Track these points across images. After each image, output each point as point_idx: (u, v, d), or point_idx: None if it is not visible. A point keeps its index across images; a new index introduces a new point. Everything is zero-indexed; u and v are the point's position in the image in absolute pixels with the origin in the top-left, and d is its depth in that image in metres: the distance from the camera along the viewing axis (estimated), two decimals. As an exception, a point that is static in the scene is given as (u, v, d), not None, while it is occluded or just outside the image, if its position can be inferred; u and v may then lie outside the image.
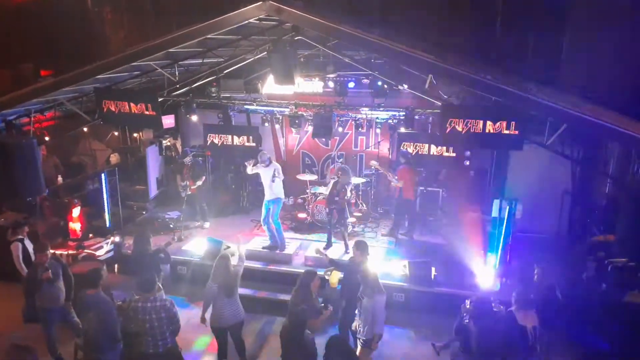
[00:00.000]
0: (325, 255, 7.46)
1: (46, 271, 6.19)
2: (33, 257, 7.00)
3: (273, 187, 8.75)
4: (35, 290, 6.24)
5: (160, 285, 5.62)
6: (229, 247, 8.90)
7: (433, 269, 8.25)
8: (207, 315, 6.29)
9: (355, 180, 10.51)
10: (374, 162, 9.89)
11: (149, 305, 5.44)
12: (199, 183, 10.00)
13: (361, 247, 6.40)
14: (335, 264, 6.87)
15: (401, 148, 9.83)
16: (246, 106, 10.23)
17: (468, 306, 6.46)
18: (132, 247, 7.42)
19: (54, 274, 6.26)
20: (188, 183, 9.81)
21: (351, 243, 9.17)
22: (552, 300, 6.20)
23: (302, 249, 9.26)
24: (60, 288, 6.41)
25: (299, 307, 5.39)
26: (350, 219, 9.76)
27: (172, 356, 5.45)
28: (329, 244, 9.12)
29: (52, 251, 6.88)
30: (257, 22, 7.26)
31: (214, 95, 9.47)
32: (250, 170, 8.90)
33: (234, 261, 6.42)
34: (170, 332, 5.57)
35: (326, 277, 7.03)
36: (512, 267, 8.44)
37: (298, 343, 4.98)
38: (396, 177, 9.51)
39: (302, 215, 10.44)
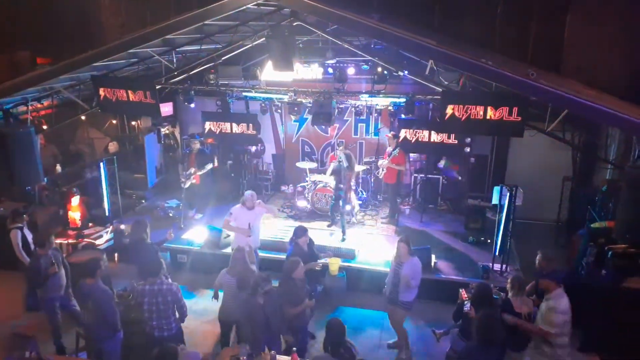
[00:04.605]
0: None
1: (52, 265, 6.18)
2: (32, 246, 7.00)
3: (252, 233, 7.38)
4: (40, 283, 6.23)
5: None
6: (228, 235, 8.90)
7: (433, 256, 8.26)
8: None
9: (355, 168, 10.51)
10: (382, 162, 9.84)
11: (156, 287, 5.48)
12: (209, 167, 9.91)
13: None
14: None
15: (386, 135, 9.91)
16: (245, 93, 10.16)
17: (465, 295, 6.47)
18: (129, 235, 7.41)
19: (57, 265, 6.27)
20: (193, 170, 9.74)
21: (350, 232, 9.28)
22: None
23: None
24: (62, 276, 6.42)
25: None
26: (354, 204, 9.80)
27: (175, 342, 5.45)
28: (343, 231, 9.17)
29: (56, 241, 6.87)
30: (255, 7, 7.16)
31: (212, 82, 9.39)
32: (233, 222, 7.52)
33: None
34: (175, 317, 5.60)
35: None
36: (513, 254, 8.47)
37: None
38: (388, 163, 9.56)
39: (302, 203, 10.43)
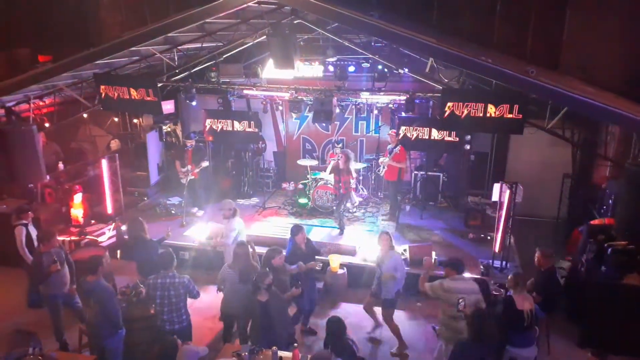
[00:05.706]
0: None
1: (54, 263, 6.19)
2: (36, 243, 7.04)
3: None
4: (42, 280, 6.26)
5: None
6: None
7: (433, 253, 8.28)
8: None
9: (356, 165, 10.52)
10: (383, 160, 9.86)
11: (168, 281, 5.54)
12: (204, 164, 9.98)
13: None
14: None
15: (389, 133, 9.92)
16: (246, 91, 10.18)
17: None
18: (127, 234, 7.43)
19: (60, 262, 6.29)
20: (190, 167, 9.79)
21: (351, 229, 9.33)
22: (553, 282, 6.24)
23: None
24: (66, 274, 6.45)
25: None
26: (354, 200, 9.84)
27: (183, 336, 5.49)
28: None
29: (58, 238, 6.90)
30: (256, 5, 7.18)
31: (214, 80, 9.42)
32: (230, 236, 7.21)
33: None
34: (186, 309, 5.68)
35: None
36: (512, 251, 8.49)
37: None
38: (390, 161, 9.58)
39: (303, 200, 10.46)
